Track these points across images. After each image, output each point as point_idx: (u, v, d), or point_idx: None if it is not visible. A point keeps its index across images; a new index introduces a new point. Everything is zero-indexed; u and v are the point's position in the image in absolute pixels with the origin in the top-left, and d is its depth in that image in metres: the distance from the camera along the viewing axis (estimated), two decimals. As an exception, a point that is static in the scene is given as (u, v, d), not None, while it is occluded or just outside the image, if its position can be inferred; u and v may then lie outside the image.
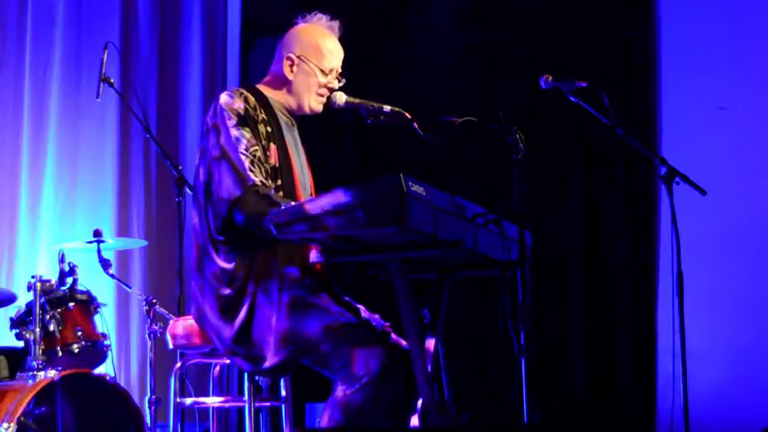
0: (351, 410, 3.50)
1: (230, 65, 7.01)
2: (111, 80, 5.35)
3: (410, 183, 3.18)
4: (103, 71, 5.32)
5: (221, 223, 3.62)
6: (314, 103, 3.87)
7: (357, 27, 6.58)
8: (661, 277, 6.14)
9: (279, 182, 3.67)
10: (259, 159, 3.62)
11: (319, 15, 3.91)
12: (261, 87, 3.86)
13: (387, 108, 3.76)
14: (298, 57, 3.83)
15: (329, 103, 3.88)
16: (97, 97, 5.35)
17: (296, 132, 3.90)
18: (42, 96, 6.20)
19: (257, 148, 3.63)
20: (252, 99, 3.74)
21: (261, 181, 3.58)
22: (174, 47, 6.84)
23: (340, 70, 3.88)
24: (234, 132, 3.64)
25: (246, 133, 3.64)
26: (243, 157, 3.59)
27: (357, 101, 3.83)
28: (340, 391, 3.54)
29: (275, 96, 3.85)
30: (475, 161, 5.93)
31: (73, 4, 6.38)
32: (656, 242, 6.21)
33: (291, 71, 3.84)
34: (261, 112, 3.73)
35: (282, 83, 3.86)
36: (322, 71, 3.84)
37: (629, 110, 6.04)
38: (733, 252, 5.97)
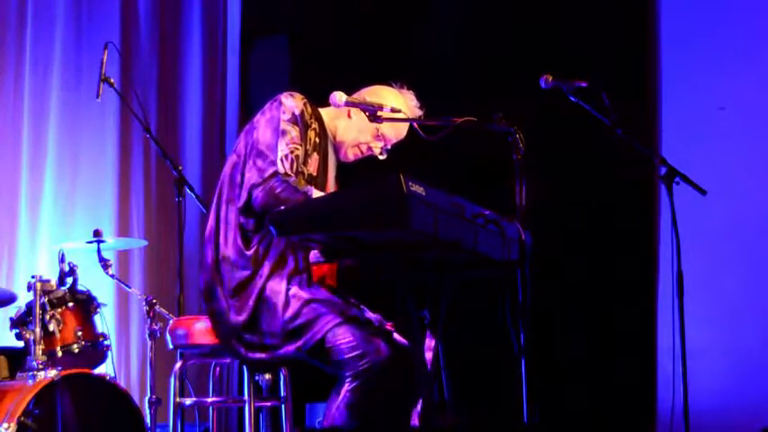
0: (356, 403, 3.51)
1: (230, 65, 7.02)
2: (111, 80, 5.35)
3: (410, 183, 3.19)
4: (103, 71, 5.32)
5: (243, 205, 3.67)
6: (350, 153, 3.95)
7: (357, 28, 6.61)
8: (661, 277, 6.14)
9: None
10: (296, 157, 3.70)
11: (412, 95, 3.97)
12: (321, 110, 3.92)
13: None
14: None
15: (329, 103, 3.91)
16: (97, 97, 5.35)
17: (335, 158, 3.96)
18: (42, 96, 6.20)
19: (299, 147, 3.71)
20: (310, 108, 3.82)
21: (286, 172, 3.62)
22: (174, 47, 6.84)
23: (389, 147, 3.94)
24: (284, 126, 3.72)
25: (294, 131, 3.72)
26: (280, 148, 3.67)
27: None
28: (345, 383, 3.55)
29: (330, 121, 3.92)
30: (475, 161, 5.93)
31: (73, 4, 6.38)
32: (656, 242, 6.21)
33: (359, 111, 3.87)
34: (314, 123, 3.81)
35: (344, 114, 3.92)
36: (378, 133, 3.89)
37: (629, 110, 6.03)
38: (733, 252, 5.97)
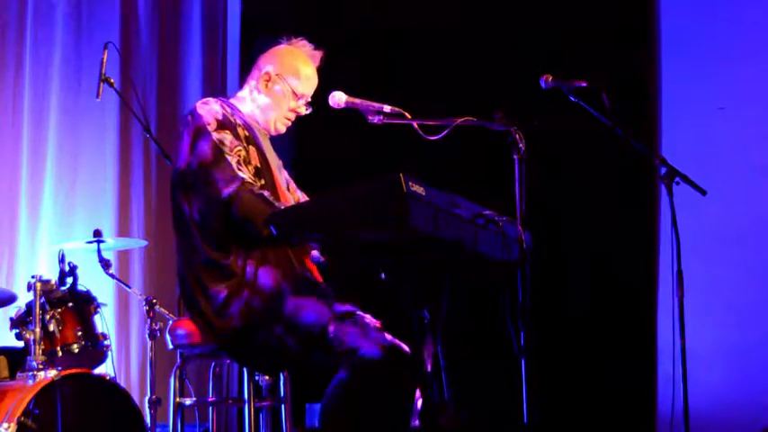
0: (353, 397, 3.50)
1: (230, 64, 7.01)
2: (111, 80, 5.34)
3: (410, 183, 3.18)
4: (103, 71, 5.31)
5: (215, 220, 3.64)
6: (279, 124, 3.96)
7: (357, 27, 6.61)
8: (661, 277, 6.14)
9: (262, 181, 3.72)
10: (244, 159, 3.69)
11: (304, 42, 4.00)
12: (232, 101, 3.93)
13: (387, 108, 3.78)
14: (276, 74, 3.92)
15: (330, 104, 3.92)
16: (97, 97, 5.34)
17: (267, 140, 3.96)
18: (42, 96, 6.20)
19: (240, 148, 3.71)
20: (227, 107, 3.83)
21: (250, 178, 3.62)
22: (174, 46, 6.84)
23: (310, 99, 3.95)
24: (216, 135, 3.70)
25: (227, 135, 3.71)
26: (229, 158, 3.64)
27: (357, 101, 3.85)
28: (341, 377, 3.54)
29: (245, 110, 3.92)
30: (475, 161, 5.93)
31: (73, 4, 6.38)
32: (656, 242, 6.21)
33: (266, 87, 3.92)
34: (236, 118, 3.81)
35: (254, 97, 3.94)
36: (294, 94, 3.91)
37: (629, 110, 6.03)
38: (733, 252, 5.97)
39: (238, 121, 3.80)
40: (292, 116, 3.95)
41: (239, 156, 3.67)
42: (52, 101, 6.23)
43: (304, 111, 3.95)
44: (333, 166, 6.12)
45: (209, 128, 3.70)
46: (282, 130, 3.96)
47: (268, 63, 3.95)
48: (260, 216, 3.49)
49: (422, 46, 6.62)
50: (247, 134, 3.80)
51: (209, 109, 3.76)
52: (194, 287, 3.70)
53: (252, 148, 3.78)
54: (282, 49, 3.99)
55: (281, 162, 4.00)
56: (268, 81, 3.91)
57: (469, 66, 6.50)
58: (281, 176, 3.95)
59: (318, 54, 3.98)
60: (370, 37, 6.55)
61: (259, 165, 3.77)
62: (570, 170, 6.35)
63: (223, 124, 3.72)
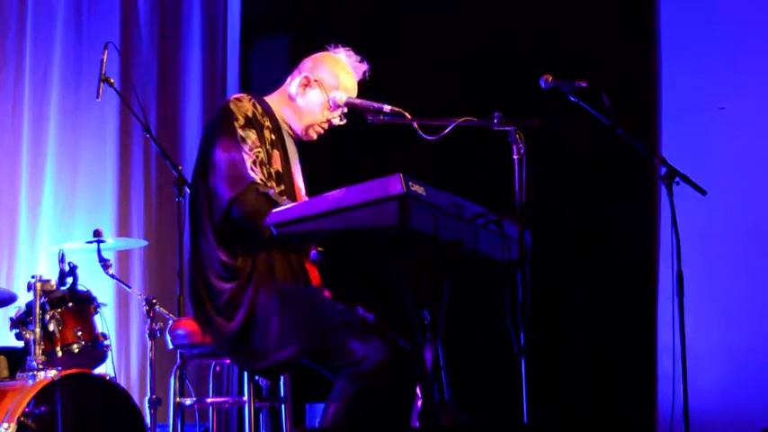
0: (354, 404, 3.50)
1: (230, 64, 7.01)
2: (111, 80, 5.34)
3: (410, 183, 3.19)
4: (103, 71, 5.31)
5: (221, 219, 3.64)
6: (311, 132, 3.92)
7: (357, 27, 6.61)
8: (661, 277, 6.14)
9: (282, 187, 3.71)
10: (261, 161, 3.66)
11: (350, 52, 3.95)
12: (267, 99, 3.90)
13: (387, 108, 3.77)
14: (315, 80, 3.87)
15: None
16: (97, 97, 5.34)
17: (294, 144, 3.94)
18: (42, 96, 6.20)
19: (261, 150, 3.68)
20: (259, 106, 3.80)
21: (261, 179, 3.61)
22: (174, 46, 6.84)
23: (346, 110, 3.90)
24: (240, 132, 3.68)
25: (252, 135, 3.68)
26: (246, 156, 3.63)
27: (357, 101, 3.85)
28: (342, 385, 3.54)
29: (278, 110, 3.88)
30: (475, 161, 5.93)
31: (73, 4, 6.39)
32: (656, 242, 6.21)
33: (303, 91, 3.87)
34: (266, 120, 3.78)
35: (290, 99, 3.90)
36: (330, 104, 3.86)
37: (629, 110, 6.03)
38: (733, 252, 5.97)
39: (267, 123, 3.77)
40: (326, 126, 3.91)
41: (257, 156, 3.65)
42: (52, 100, 6.23)
43: (338, 121, 3.91)
44: (332, 166, 6.12)
45: (236, 124, 3.68)
46: (314, 137, 3.92)
47: (309, 68, 3.90)
48: (262, 216, 3.48)
49: (422, 45, 6.61)
50: (274, 137, 3.77)
51: (240, 105, 3.73)
52: (200, 284, 3.70)
53: (276, 153, 3.76)
54: (326, 56, 3.94)
55: (300, 169, 3.95)
56: (306, 86, 3.87)
57: (469, 66, 6.50)
58: (301, 184, 3.91)
59: (363, 67, 3.93)
60: (370, 36, 6.54)
61: (281, 170, 3.75)
62: (570, 170, 6.34)
63: (250, 122, 3.71)
